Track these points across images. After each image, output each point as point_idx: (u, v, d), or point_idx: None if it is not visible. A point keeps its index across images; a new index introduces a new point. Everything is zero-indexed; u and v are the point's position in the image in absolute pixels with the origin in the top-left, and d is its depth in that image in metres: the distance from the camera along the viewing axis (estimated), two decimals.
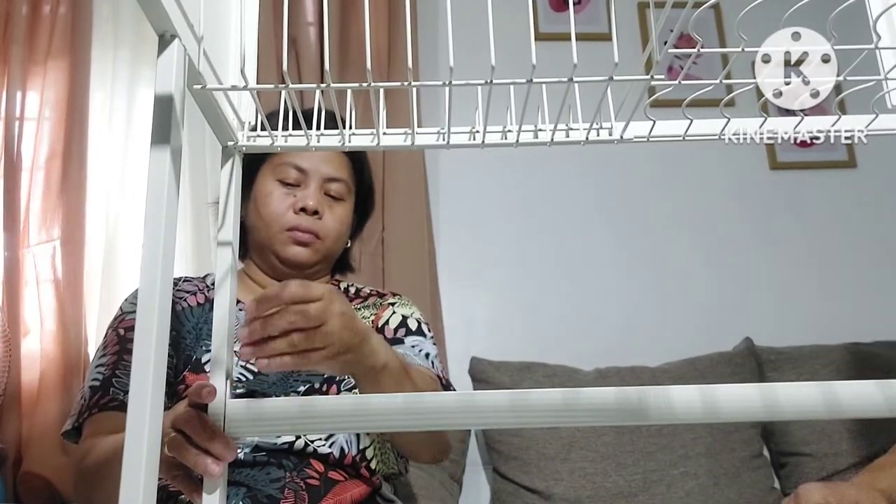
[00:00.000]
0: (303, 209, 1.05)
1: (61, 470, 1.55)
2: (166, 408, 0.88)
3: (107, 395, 0.96)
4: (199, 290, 1.10)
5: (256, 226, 1.09)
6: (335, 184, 1.09)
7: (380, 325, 1.08)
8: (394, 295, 1.17)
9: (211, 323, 1.03)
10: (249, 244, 1.12)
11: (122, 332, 1.03)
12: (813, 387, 0.53)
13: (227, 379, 0.60)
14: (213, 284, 1.11)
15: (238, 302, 1.08)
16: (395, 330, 1.07)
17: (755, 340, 1.82)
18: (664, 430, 1.63)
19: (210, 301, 1.07)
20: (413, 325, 1.09)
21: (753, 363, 1.77)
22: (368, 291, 1.18)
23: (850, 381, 0.53)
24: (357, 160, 1.14)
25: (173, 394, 0.97)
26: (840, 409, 0.52)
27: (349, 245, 1.18)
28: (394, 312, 1.10)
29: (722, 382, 0.56)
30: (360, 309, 1.12)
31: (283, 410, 0.60)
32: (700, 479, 1.58)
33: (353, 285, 1.19)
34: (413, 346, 1.05)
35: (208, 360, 0.97)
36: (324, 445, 0.95)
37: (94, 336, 1.72)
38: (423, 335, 1.08)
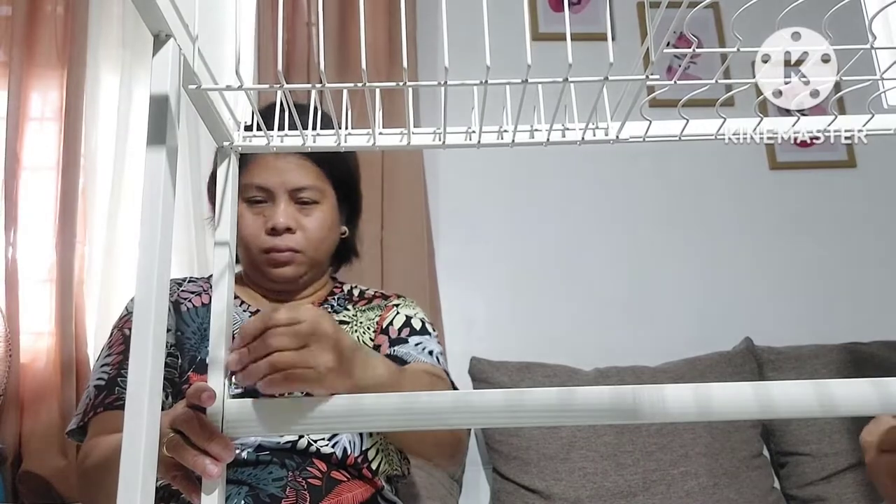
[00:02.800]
0: (273, 229, 1.02)
1: (60, 470, 1.55)
2: (169, 408, 0.88)
3: (112, 394, 0.97)
4: (204, 290, 1.10)
5: (239, 247, 1.07)
6: (304, 192, 1.05)
7: (384, 326, 1.08)
8: (398, 297, 1.16)
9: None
10: (240, 258, 1.11)
11: (126, 331, 1.03)
12: (807, 385, 0.53)
13: (225, 378, 0.60)
14: None
15: (242, 303, 1.08)
16: (400, 330, 1.07)
17: (755, 340, 1.82)
18: (664, 429, 1.63)
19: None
20: (417, 325, 1.09)
21: (753, 363, 1.77)
22: (373, 293, 1.17)
23: (845, 379, 0.53)
24: (323, 160, 1.08)
25: (177, 393, 0.97)
26: (834, 408, 0.52)
27: (345, 234, 1.15)
28: (397, 313, 1.10)
29: (721, 382, 0.56)
30: (364, 311, 1.11)
31: (282, 410, 0.60)
32: (700, 479, 1.58)
33: (356, 287, 1.18)
34: (417, 345, 1.05)
35: None
36: (326, 445, 0.95)
37: (94, 336, 1.72)
38: (428, 334, 1.08)
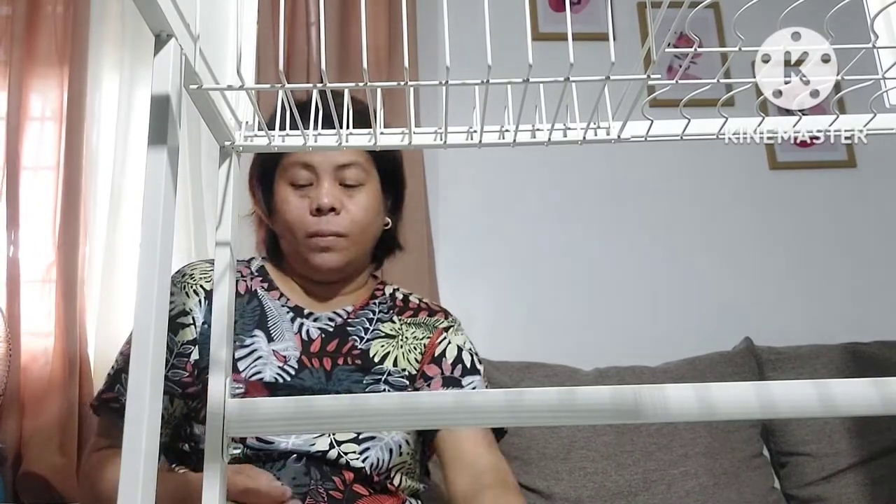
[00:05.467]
0: (318, 209, 0.99)
1: (60, 470, 1.55)
2: (197, 417, 0.88)
3: (111, 391, 0.97)
4: (242, 276, 1.05)
5: (283, 235, 1.05)
6: (349, 170, 1.01)
7: (436, 355, 1.05)
8: (446, 316, 1.12)
9: (248, 316, 1.01)
10: (283, 250, 1.07)
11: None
12: (808, 385, 0.53)
13: (226, 378, 0.60)
14: (257, 271, 1.08)
15: (281, 295, 1.05)
16: (453, 367, 1.04)
17: (755, 340, 1.82)
18: (664, 429, 1.63)
19: (251, 291, 1.04)
20: (467, 361, 1.06)
21: (753, 363, 1.77)
22: (417, 303, 1.13)
23: (846, 379, 0.53)
24: None
25: (202, 386, 0.94)
26: (835, 408, 0.52)
27: (388, 226, 1.11)
28: (449, 342, 1.07)
29: (721, 382, 0.56)
30: (410, 326, 1.07)
31: (282, 410, 0.60)
32: (700, 479, 1.58)
33: (399, 290, 1.14)
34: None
35: (241, 357, 0.95)
36: (357, 459, 0.93)
37: (94, 336, 1.72)
38: (477, 372, 1.06)
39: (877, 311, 1.98)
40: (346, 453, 0.93)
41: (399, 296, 1.13)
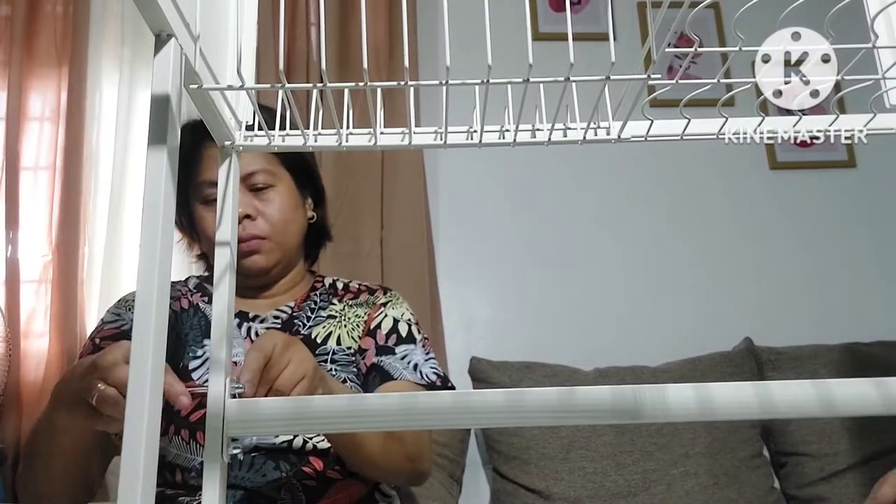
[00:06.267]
0: None
1: None
2: None
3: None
4: (183, 294, 1.08)
5: (210, 251, 1.08)
6: (255, 176, 1.04)
7: (371, 328, 1.06)
8: (385, 292, 1.14)
9: (196, 329, 1.03)
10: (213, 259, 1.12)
11: (97, 341, 1.02)
12: (808, 385, 0.53)
13: (226, 379, 0.60)
14: (195, 288, 1.11)
15: None
16: (387, 336, 1.05)
17: (755, 340, 1.82)
18: (664, 429, 1.63)
19: (194, 306, 1.07)
20: (403, 331, 1.06)
21: (753, 363, 1.77)
22: (358, 286, 1.15)
23: (846, 379, 0.53)
24: None
25: None
26: (835, 408, 0.52)
27: (313, 219, 1.14)
28: (385, 315, 1.08)
29: (721, 382, 0.56)
30: (352, 306, 1.10)
31: (282, 411, 0.60)
32: (700, 479, 1.58)
33: (339, 280, 1.16)
34: (404, 357, 1.03)
35: (195, 368, 0.97)
36: (323, 441, 0.94)
37: None
38: (413, 341, 1.05)
39: (877, 311, 1.98)
40: (310, 438, 0.94)
41: (339, 284, 1.15)
